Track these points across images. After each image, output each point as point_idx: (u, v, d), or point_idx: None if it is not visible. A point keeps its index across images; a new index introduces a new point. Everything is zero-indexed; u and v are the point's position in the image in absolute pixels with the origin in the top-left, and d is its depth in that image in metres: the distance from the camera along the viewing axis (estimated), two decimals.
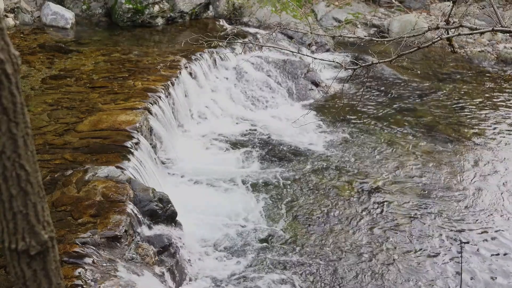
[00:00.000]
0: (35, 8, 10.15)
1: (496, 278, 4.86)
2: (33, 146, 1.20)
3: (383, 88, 9.56)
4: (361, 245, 5.23)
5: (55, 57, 8.07)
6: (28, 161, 1.18)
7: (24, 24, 9.70)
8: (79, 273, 3.58)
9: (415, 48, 3.41)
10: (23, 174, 1.18)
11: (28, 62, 7.74)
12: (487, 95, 9.48)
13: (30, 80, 7.08)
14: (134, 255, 4.14)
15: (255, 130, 7.69)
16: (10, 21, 9.49)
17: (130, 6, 10.25)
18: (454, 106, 8.89)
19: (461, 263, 4.94)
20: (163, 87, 6.94)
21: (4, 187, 1.17)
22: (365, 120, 8.19)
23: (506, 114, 8.65)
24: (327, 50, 10.97)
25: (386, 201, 6.00)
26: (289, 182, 6.32)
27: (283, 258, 4.98)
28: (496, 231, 5.55)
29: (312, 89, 9.17)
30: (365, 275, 4.81)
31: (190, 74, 7.86)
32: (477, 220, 5.73)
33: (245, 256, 4.99)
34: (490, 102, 9.13)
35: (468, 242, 5.34)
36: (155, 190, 4.84)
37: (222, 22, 10.94)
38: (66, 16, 9.87)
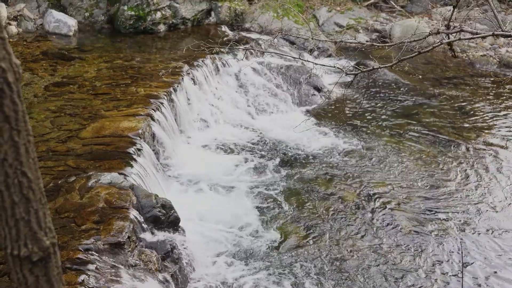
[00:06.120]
0: (38, 16, 10.21)
1: (497, 280, 4.85)
2: (34, 154, 1.21)
3: (385, 92, 9.56)
4: (362, 248, 5.22)
5: (58, 64, 8.11)
6: (30, 168, 1.20)
7: (27, 32, 9.75)
8: (83, 279, 3.59)
9: (415, 53, 3.42)
10: (25, 181, 1.19)
11: (31, 69, 7.78)
12: (490, 98, 9.47)
13: (33, 87, 7.11)
14: (137, 261, 4.14)
15: (258, 136, 7.69)
16: (13, 29, 9.54)
17: (133, 13, 10.30)
18: (457, 110, 8.89)
19: (462, 265, 4.93)
20: (165, 93, 6.97)
21: (6, 194, 1.19)
22: (368, 125, 8.19)
23: (510, 117, 8.63)
24: (329, 56, 10.99)
25: (390, 204, 5.99)
26: (293, 187, 6.32)
27: (287, 264, 4.97)
28: (500, 234, 5.54)
29: (315, 95, 9.18)
30: (364, 275, 4.80)
31: (193, 80, 7.88)
32: (481, 222, 5.72)
33: (249, 262, 4.98)
34: (493, 106, 9.12)
35: (472, 248, 5.33)
36: (157, 196, 4.85)
37: (224, 28, 10.98)
38: (69, 23, 9.92)
